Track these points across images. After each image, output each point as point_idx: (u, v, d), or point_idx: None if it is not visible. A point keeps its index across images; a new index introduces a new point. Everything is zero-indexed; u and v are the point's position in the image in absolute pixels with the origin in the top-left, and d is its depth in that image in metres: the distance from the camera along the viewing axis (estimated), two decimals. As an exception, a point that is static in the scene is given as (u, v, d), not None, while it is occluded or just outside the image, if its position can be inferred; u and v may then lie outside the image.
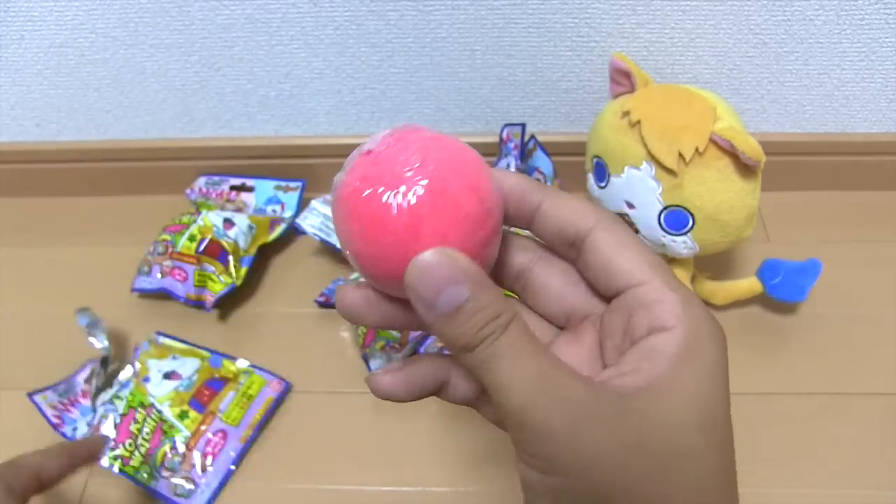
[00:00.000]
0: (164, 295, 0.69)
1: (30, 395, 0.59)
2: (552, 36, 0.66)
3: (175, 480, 0.57)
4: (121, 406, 0.59)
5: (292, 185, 0.76)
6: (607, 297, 0.25)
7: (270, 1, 0.64)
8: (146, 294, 0.70)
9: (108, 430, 0.58)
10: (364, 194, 0.22)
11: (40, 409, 0.59)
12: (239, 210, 0.74)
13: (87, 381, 0.60)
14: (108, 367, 0.62)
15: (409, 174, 0.22)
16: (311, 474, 0.58)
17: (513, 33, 0.66)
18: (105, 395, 0.60)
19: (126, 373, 0.62)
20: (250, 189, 0.76)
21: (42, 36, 0.67)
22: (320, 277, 0.71)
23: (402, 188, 0.22)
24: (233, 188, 0.76)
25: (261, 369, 0.63)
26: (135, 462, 0.57)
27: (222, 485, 0.58)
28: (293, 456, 0.60)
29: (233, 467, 0.58)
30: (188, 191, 0.76)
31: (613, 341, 0.24)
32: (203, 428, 0.59)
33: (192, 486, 0.57)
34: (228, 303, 0.69)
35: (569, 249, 0.25)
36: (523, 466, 0.22)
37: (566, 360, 0.23)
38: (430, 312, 0.22)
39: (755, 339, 0.66)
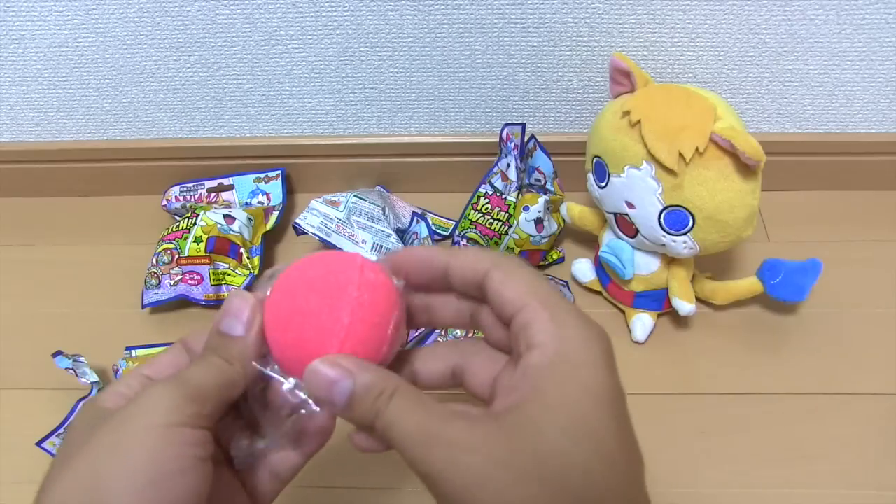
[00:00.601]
0: (169, 305, 0.69)
1: (38, 443, 0.58)
2: (552, 36, 0.66)
3: None
4: None
5: (272, 174, 0.76)
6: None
7: (270, 1, 0.64)
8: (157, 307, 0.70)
9: None
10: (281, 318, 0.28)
11: (53, 456, 0.57)
12: (227, 209, 0.74)
13: None
14: None
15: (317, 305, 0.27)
16: (310, 474, 0.58)
17: (513, 33, 0.66)
18: None
19: None
20: (229, 188, 0.76)
21: (42, 36, 0.67)
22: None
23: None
24: (210, 190, 0.76)
25: None
26: None
27: None
28: (293, 456, 0.60)
29: None
30: (164, 202, 0.76)
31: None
32: None
33: None
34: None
35: (479, 293, 0.28)
36: None
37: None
38: (335, 409, 0.26)
39: (755, 339, 0.66)
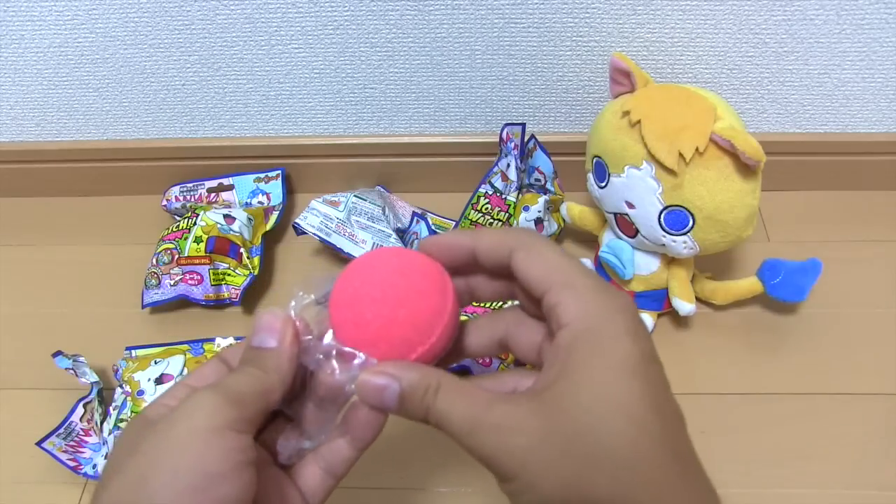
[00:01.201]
0: (169, 305, 0.69)
1: (38, 443, 0.57)
2: (552, 36, 0.66)
3: None
4: None
5: (272, 174, 0.76)
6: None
7: (270, 1, 0.64)
8: (157, 307, 0.70)
9: None
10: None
11: (54, 456, 0.57)
12: (227, 209, 0.74)
13: (84, 418, 0.59)
14: (103, 398, 0.62)
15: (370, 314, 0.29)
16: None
17: (513, 33, 0.66)
18: (108, 425, 0.59)
19: (117, 396, 0.61)
20: (229, 188, 0.76)
21: (42, 36, 0.67)
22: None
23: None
24: (210, 190, 0.76)
25: (243, 339, 0.63)
26: None
27: None
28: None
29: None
30: (164, 202, 0.76)
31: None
32: None
33: None
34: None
35: (508, 272, 0.30)
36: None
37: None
38: (392, 411, 0.29)
39: (755, 339, 0.66)
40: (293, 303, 0.31)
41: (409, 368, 0.28)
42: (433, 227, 0.71)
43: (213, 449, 0.25)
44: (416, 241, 0.68)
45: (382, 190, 0.77)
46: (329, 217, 0.70)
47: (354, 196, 0.73)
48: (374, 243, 0.69)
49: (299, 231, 0.70)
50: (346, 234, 0.70)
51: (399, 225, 0.72)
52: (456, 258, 0.31)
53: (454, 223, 0.74)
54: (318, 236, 0.69)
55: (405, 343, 0.29)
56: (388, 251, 0.31)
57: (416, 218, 0.69)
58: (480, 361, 0.58)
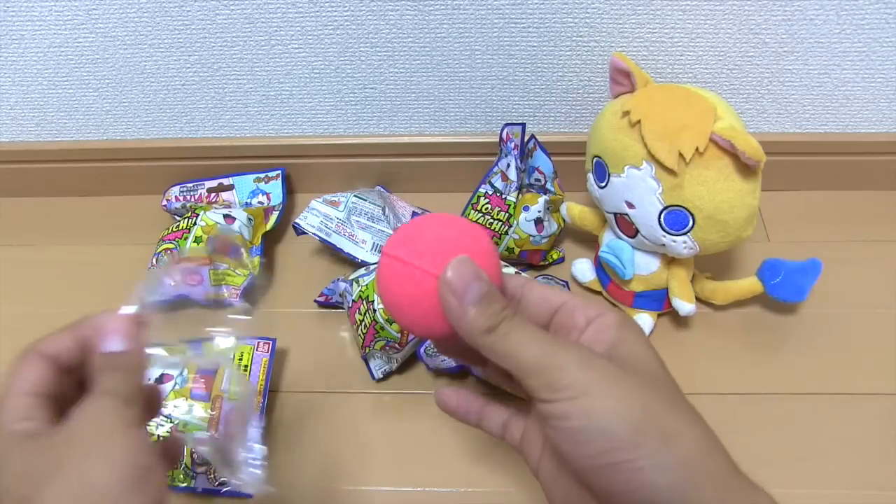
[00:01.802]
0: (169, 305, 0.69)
1: None
2: (552, 36, 0.66)
3: (211, 475, 0.57)
4: None
5: (272, 174, 0.76)
6: (543, 322, 0.33)
7: (270, 1, 0.64)
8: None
9: None
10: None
11: None
12: (227, 209, 0.74)
13: None
14: None
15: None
16: (310, 474, 0.58)
17: (513, 33, 0.66)
18: None
19: None
20: (229, 188, 0.76)
21: (42, 36, 0.67)
22: (320, 277, 0.71)
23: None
24: (210, 190, 0.76)
25: (243, 338, 0.63)
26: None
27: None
28: (293, 456, 0.60)
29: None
30: (164, 202, 0.76)
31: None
32: (215, 413, 0.59)
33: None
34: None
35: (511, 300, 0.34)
36: (543, 406, 0.28)
37: None
38: (462, 302, 0.29)
39: (755, 339, 0.66)
40: (136, 299, 0.33)
41: (495, 287, 0.30)
42: None
43: (137, 445, 0.27)
44: None
45: (382, 190, 0.77)
46: (329, 217, 0.70)
47: (354, 196, 0.73)
48: (374, 243, 0.69)
49: (299, 231, 0.70)
50: (347, 234, 0.70)
51: (399, 224, 0.72)
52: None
53: None
54: (318, 236, 0.69)
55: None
56: (446, 214, 0.33)
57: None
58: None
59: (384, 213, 0.72)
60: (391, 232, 0.70)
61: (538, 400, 0.28)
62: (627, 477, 0.27)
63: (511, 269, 0.66)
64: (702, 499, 0.27)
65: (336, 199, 0.72)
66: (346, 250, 0.69)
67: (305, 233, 0.69)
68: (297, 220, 0.70)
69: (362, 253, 0.69)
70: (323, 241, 0.69)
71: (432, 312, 0.30)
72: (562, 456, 0.29)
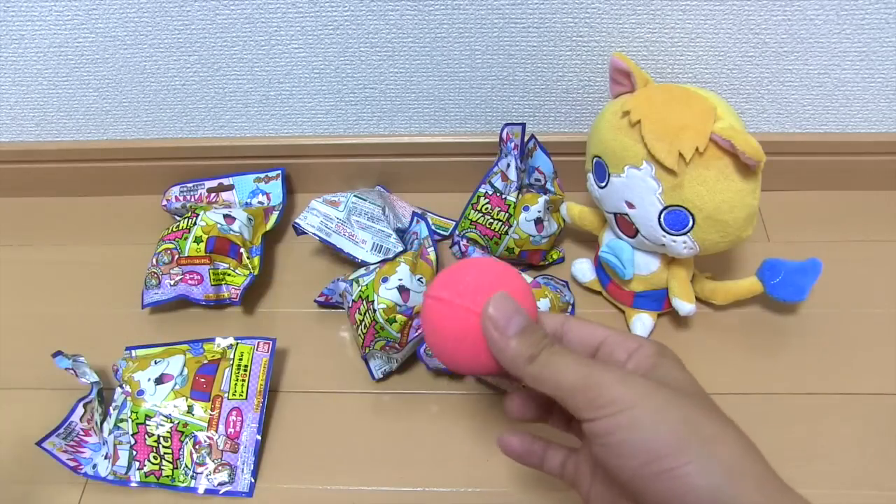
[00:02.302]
0: (169, 305, 0.69)
1: (38, 443, 0.57)
2: (552, 36, 0.66)
3: (211, 475, 0.58)
4: (129, 427, 0.58)
5: (272, 174, 0.76)
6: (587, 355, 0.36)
7: (270, 1, 0.64)
8: (157, 307, 0.70)
9: (125, 455, 0.58)
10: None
11: (54, 456, 0.57)
12: (227, 209, 0.74)
13: (84, 418, 0.60)
14: (103, 398, 0.62)
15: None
16: (310, 474, 0.58)
17: (513, 33, 0.66)
18: (108, 425, 0.59)
19: (117, 396, 0.61)
20: (229, 188, 0.76)
21: (42, 36, 0.67)
22: (320, 277, 0.71)
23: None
24: (210, 190, 0.76)
25: (243, 338, 0.63)
26: (167, 471, 0.57)
27: (257, 456, 0.59)
28: (293, 456, 0.60)
29: (259, 437, 0.59)
30: (164, 202, 0.76)
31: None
32: (215, 413, 0.59)
33: (229, 470, 0.58)
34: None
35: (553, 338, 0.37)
36: (589, 426, 0.30)
37: None
38: (504, 334, 0.32)
39: (755, 339, 0.66)
40: None
41: (532, 320, 0.33)
42: (433, 228, 0.71)
43: None
44: (415, 242, 0.68)
45: (382, 190, 0.77)
46: (329, 217, 0.70)
47: (354, 196, 0.73)
48: (374, 243, 0.69)
49: (299, 231, 0.70)
50: (347, 234, 0.70)
51: (399, 225, 0.72)
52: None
53: (454, 223, 0.74)
54: (318, 236, 0.69)
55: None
56: (482, 258, 0.37)
57: (416, 218, 0.69)
58: None
59: (384, 213, 0.72)
60: (391, 232, 0.70)
61: (584, 420, 0.30)
62: (675, 484, 0.28)
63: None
64: (746, 501, 0.28)
65: (336, 199, 0.72)
66: (346, 250, 0.69)
67: (305, 233, 0.69)
68: (297, 220, 0.70)
69: (362, 253, 0.69)
70: (323, 241, 0.69)
71: (477, 348, 0.33)
72: (610, 472, 0.31)
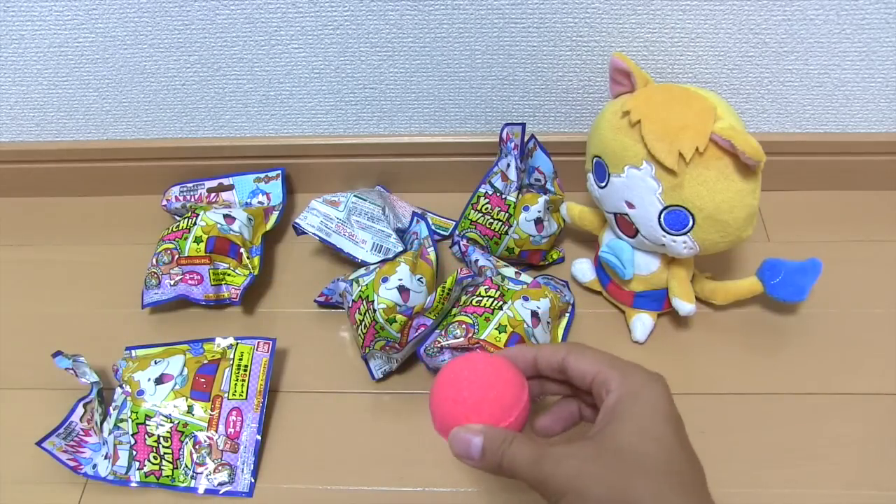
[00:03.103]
0: (169, 305, 0.69)
1: (38, 443, 0.57)
2: (552, 36, 0.66)
3: (211, 475, 0.58)
4: (129, 427, 0.58)
5: (272, 174, 0.76)
6: (586, 388, 0.40)
7: (270, 1, 0.64)
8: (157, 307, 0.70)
9: (125, 455, 0.58)
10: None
11: (54, 455, 0.57)
12: (227, 209, 0.74)
13: (84, 418, 0.59)
14: (103, 398, 0.62)
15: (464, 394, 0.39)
16: (310, 474, 0.58)
17: (513, 33, 0.66)
18: (108, 425, 0.59)
19: (117, 396, 0.61)
20: (229, 188, 0.76)
21: (42, 36, 0.67)
22: (320, 277, 0.71)
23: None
24: (210, 190, 0.76)
25: (243, 338, 0.63)
26: (167, 472, 0.57)
27: (257, 456, 0.59)
28: (293, 456, 0.60)
29: (259, 437, 0.59)
30: (164, 202, 0.76)
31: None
32: (215, 413, 0.59)
33: (229, 470, 0.58)
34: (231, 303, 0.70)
35: (561, 375, 0.41)
36: None
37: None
38: (474, 462, 0.37)
39: (755, 339, 0.66)
40: None
41: (490, 428, 0.38)
42: (433, 228, 0.71)
43: None
44: (416, 241, 0.68)
45: (382, 190, 0.77)
46: (329, 217, 0.70)
47: (354, 196, 0.73)
48: (374, 243, 0.69)
49: (299, 231, 0.70)
50: (346, 234, 0.70)
51: (399, 225, 0.72)
52: (522, 365, 0.41)
53: (454, 223, 0.74)
54: (318, 236, 0.69)
55: (492, 417, 0.38)
56: (478, 355, 0.41)
57: (416, 218, 0.69)
58: None
59: (384, 213, 0.72)
60: (391, 232, 0.70)
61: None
62: None
63: (511, 270, 0.66)
64: None
65: (336, 199, 0.72)
66: (346, 250, 0.69)
67: (305, 233, 0.70)
68: (297, 220, 0.70)
69: (362, 253, 0.69)
70: (323, 240, 0.69)
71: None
72: None
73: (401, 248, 0.70)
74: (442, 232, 0.75)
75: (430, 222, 0.72)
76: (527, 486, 0.36)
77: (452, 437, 0.38)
